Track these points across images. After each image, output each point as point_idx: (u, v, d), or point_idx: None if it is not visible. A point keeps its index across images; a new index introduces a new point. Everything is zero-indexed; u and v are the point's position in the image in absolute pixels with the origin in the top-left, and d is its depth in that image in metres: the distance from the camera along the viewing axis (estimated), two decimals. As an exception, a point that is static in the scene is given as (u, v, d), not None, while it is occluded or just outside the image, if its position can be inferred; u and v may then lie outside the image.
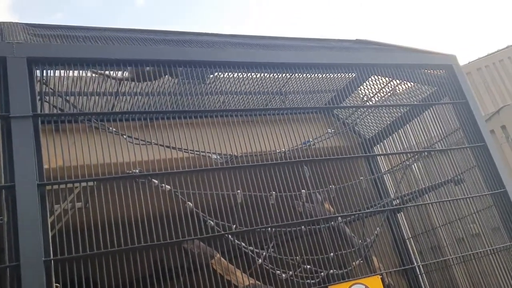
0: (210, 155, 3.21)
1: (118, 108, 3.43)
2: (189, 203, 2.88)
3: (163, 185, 2.86)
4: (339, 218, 3.35)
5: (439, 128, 4.09)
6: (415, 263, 3.87)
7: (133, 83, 3.28)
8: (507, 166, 5.11)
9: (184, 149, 2.93)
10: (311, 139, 3.73)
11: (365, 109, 4.35)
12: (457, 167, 3.94)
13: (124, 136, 3.05)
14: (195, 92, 3.32)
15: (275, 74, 3.68)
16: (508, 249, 3.77)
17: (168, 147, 2.98)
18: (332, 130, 4.14)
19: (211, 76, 3.54)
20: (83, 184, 2.76)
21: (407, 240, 4.08)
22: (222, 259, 3.39)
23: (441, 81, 4.17)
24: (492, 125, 5.50)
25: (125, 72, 3.26)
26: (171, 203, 2.93)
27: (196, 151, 3.01)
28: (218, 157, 3.23)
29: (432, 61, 4.17)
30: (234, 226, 2.90)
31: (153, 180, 2.84)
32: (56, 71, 3.02)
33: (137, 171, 2.80)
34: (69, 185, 2.73)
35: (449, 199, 3.86)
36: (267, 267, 3.20)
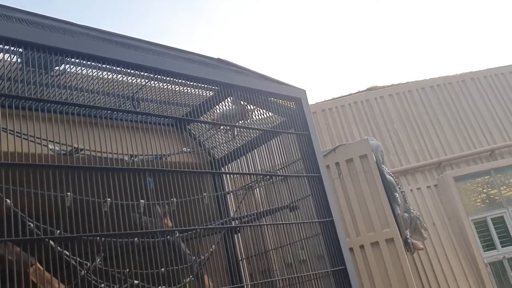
0: (51, 145, 2.83)
1: None
2: (7, 200, 2.50)
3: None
4: (176, 233, 3.26)
5: (284, 155, 4.32)
6: (244, 283, 3.96)
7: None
8: (336, 198, 5.63)
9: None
10: (160, 153, 3.59)
11: (218, 127, 4.39)
12: (294, 193, 4.19)
13: None
14: (36, 81, 2.96)
15: (129, 78, 3.48)
16: (329, 275, 4.07)
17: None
18: (188, 149, 4.06)
19: (58, 67, 3.20)
20: None
21: (240, 261, 4.17)
22: (41, 268, 3.02)
23: (290, 113, 4.43)
24: (328, 161, 6.03)
25: None
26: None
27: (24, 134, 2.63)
28: (56, 147, 2.87)
29: (285, 92, 4.42)
30: (58, 231, 2.61)
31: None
32: None
33: None
34: None
35: (284, 222, 4.07)
36: (91, 280, 2.94)
